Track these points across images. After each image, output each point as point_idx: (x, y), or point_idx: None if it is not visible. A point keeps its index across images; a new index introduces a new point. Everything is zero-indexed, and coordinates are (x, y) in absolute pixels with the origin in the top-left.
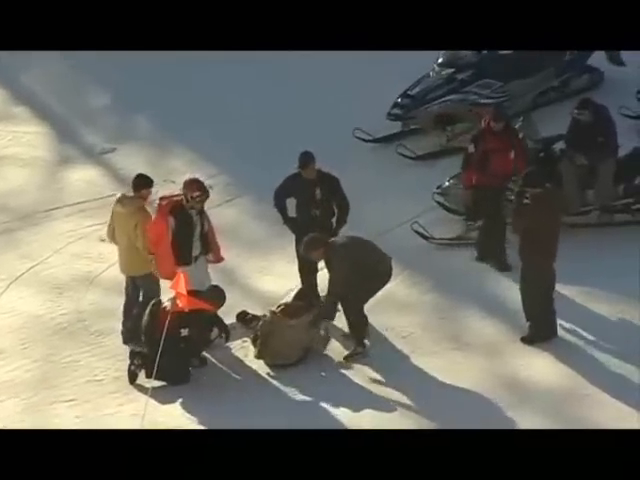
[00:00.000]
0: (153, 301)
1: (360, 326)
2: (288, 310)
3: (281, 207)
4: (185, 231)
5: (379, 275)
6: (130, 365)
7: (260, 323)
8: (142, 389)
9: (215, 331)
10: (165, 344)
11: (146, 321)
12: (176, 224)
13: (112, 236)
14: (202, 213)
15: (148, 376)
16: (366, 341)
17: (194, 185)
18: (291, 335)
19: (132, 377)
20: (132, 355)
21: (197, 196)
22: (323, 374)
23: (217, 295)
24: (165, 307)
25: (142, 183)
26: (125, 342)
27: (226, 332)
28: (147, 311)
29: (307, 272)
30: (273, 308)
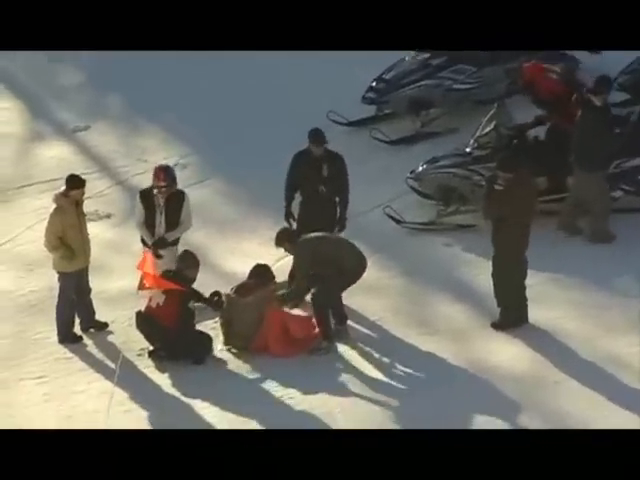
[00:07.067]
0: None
1: (323, 320)
2: (242, 289)
3: (288, 199)
4: (150, 214)
5: (346, 271)
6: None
7: (220, 310)
8: (111, 368)
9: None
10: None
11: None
12: (143, 207)
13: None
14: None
15: (173, 358)
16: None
17: (161, 174)
18: (250, 314)
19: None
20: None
21: (162, 186)
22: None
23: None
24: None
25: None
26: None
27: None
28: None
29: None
30: (228, 291)
